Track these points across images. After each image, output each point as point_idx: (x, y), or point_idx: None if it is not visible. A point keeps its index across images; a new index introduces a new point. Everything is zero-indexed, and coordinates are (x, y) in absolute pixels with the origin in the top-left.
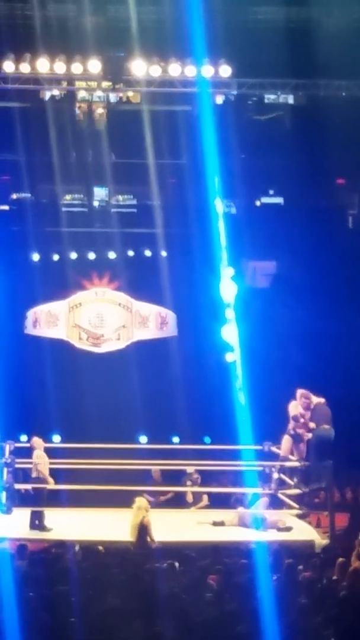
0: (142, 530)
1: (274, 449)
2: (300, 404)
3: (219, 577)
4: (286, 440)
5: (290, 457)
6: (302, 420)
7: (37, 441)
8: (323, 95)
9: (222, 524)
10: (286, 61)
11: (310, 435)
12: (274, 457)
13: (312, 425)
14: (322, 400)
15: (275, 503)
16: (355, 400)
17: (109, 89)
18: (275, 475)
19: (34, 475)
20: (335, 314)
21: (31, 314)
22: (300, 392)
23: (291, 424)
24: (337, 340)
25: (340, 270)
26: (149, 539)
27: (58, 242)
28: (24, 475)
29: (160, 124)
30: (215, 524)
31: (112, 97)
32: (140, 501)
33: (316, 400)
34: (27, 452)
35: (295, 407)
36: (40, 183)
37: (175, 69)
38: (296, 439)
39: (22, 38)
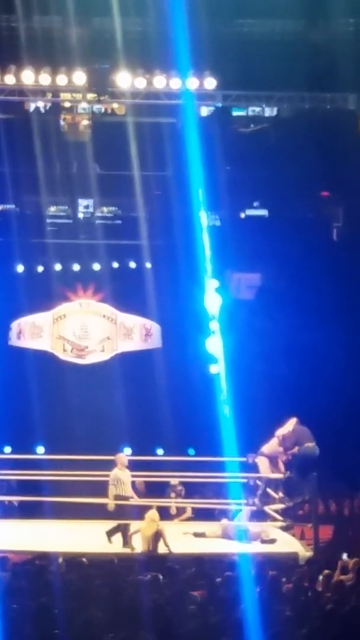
0: (156, 540)
1: (257, 461)
2: (280, 444)
3: (203, 589)
4: (264, 461)
5: (271, 475)
6: (287, 453)
7: (119, 457)
8: (308, 108)
9: (203, 535)
10: (271, 73)
11: (295, 450)
12: (257, 469)
13: (295, 450)
14: (294, 421)
15: (259, 515)
16: (340, 413)
17: (94, 100)
18: (260, 490)
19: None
20: (319, 327)
21: (15, 325)
22: (277, 434)
23: (266, 447)
24: (322, 352)
25: (325, 282)
26: (165, 548)
27: (43, 253)
28: (7, 487)
29: (145, 136)
30: (196, 535)
31: (97, 109)
32: (152, 513)
33: (290, 425)
34: (10, 464)
35: (275, 447)
36: (24, 194)
37: (160, 81)
38: (273, 459)
39: (6, 49)
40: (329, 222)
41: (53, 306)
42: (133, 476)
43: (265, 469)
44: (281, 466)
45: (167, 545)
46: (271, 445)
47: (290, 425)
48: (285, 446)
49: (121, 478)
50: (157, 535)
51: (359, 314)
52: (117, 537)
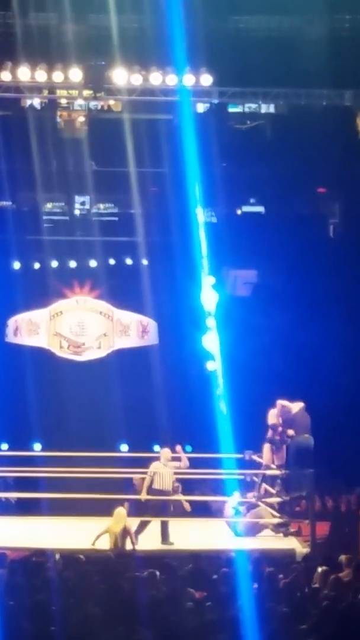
0: (124, 537)
1: (255, 457)
2: (279, 414)
3: (200, 586)
4: (267, 449)
5: (272, 465)
6: (279, 429)
7: (163, 452)
8: (304, 104)
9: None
10: (267, 70)
11: (289, 440)
12: (254, 465)
13: (290, 432)
14: (301, 405)
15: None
16: (336, 408)
17: (90, 97)
18: (260, 485)
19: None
20: (316, 323)
21: (12, 322)
22: (279, 402)
23: (269, 432)
24: (318, 348)
25: (321, 279)
26: (131, 545)
27: (39, 250)
28: (4, 484)
29: (142, 132)
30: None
31: (93, 106)
32: (120, 510)
33: (296, 408)
34: (7, 461)
35: (273, 416)
36: (21, 191)
37: (156, 78)
38: (275, 445)
39: (2, 46)
40: (326, 219)
41: (49, 303)
42: (130, 473)
43: (267, 455)
44: (282, 454)
45: (132, 543)
46: (270, 413)
47: (296, 406)
48: (284, 419)
49: (163, 472)
50: (125, 533)
51: (355, 310)
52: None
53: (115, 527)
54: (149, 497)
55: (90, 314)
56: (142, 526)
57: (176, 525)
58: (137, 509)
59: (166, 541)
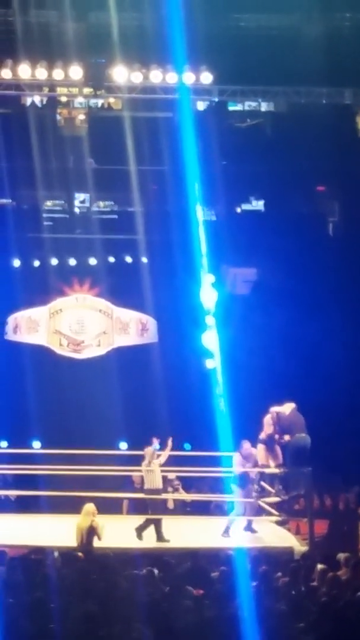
0: (90, 534)
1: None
2: (275, 421)
3: (198, 584)
4: (260, 449)
5: (269, 464)
6: (276, 436)
7: (147, 452)
8: (304, 103)
9: None
10: (267, 68)
11: (287, 438)
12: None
13: (287, 438)
14: (292, 405)
15: (256, 510)
16: (335, 407)
17: (91, 95)
18: (256, 483)
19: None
20: (315, 321)
21: (12, 319)
22: (272, 409)
23: (263, 434)
24: (317, 346)
25: (320, 277)
26: (98, 543)
27: (39, 247)
28: (3, 481)
29: (142, 130)
30: None
31: (94, 104)
32: (88, 506)
33: (288, 409)
34: (6, 459)
35: (268, 424)
36: (21, 189)
37: (156, 76)
38: (269, 445)
39: (3, 44)
40: (325, 217)
41: (49, 300)
42: (130, 470)
43: (262, 457)
44: (278, 452)
45: (99, 538)
46: (266, 421)
47: (288, 408)
48: (279, 426)
49: (155, 471)
50: (91, 529)
51: (354, 309)
52: (114, 533)
53: (82, 522)
54: (147, 496)
55: (89, 311)
56: (147, 524)
57: (175, 523)
58: (136, 508)
59: (161, 539)
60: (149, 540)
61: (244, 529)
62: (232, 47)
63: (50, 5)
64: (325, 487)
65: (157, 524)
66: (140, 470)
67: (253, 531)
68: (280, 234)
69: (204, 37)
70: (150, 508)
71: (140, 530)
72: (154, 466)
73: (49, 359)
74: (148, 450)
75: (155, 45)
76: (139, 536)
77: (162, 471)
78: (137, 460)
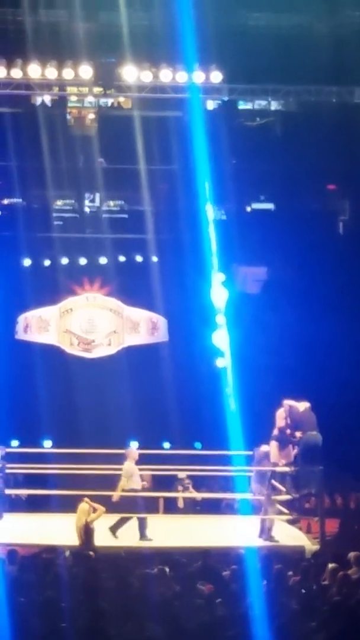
0: (85, 532)
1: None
2: (287, 415)
3: (210, 583)
4: (273, 446)
5: (280, 462)
6: (288, 431)
7: (130, 451)
8: (314, 101)
9: None
10: (277, 67)
11: (299, 435)
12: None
13: (298, 434)
14: (307, 405)
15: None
16: (346, 406)
17: (100, 94)
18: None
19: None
20: (325, 320)
21: (22, 319)
22: (286, 402)
23: (276, 430)
24: (328, 345)
25: (331, 276)
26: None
27: (49, 247)
28: (14, 481)
29: (152, 129)
30: None
31: (103, 103)
32: (82, 506)
33: (302, 407)
34: (17, 458)
35: (281, 418)
36: (31, 188)
37: (166, 75)
38: (282, 442)
39: (13, 43)
40: (335, 216)
41: (59, 300)
42: (140, 470)
43: (275, 454)
44: (290, 450)
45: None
46: (278, 414)
47: (302, 406)
48: (291, 420)
49: (135, 472)
50: (86, 527)
51: None
52: (122, 531)
53: (77, 522)
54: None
55: (100, 311)
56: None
57: (185, 522)
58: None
59: (144, 538)
60: (160, 540)
61: (262, 535)
62: (242, 46)
63: (60, 4)
64: (336, 485)
65: (141, 523)
66: (150, 469)
67: (272, 539)
68: (291, 233)
69: (214, 36)
70: (127, 507)
71: (114, 529)
72: (133, 467)
73: (59, 359)
74: (132, 451)
75: (165, 45)
76: (114, 534)
77: (173, 470)
78: (148, 459)
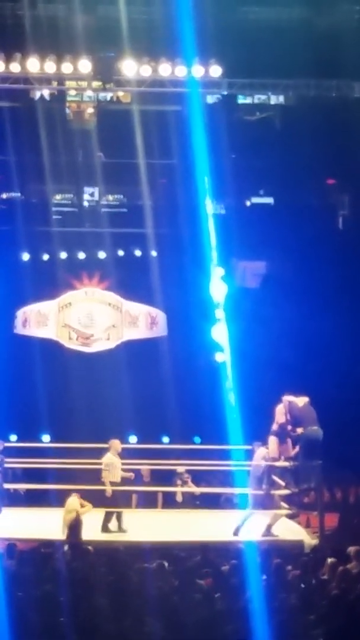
0: (73, 527)
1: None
2: (287, 410)
3: (209, 577)
4: (272, 441)
5: (280, 457)
6: (288, 427)
7: (112, 443)
8: (313, 96)
9: None
10: (276, 61)
11: (300, 431)
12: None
13: (299, 430)
14: (306, 399)
15: (266, 502)
16: (345, 400)
17: (99, 88)
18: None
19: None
20: (325, 314)
21: (21, 313)
22: (285, 398)
23: (275, 425)
24: (328, 340)
25: (330, 270)
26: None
27: (48, 241)
28: (13, 475)
29: (151, 124)
30: None
31: (102, 97)
32: (70, 500)
33: (301, 403)
34: (16, 452)
35: (281, 414)
36: (30, 183)
37: (165, 69)
38: (282, 437)
39: (12, 37)
40: (335, 210)
41: (58, 294)
42: (139, 464)
43: (274, 448)
44: (289, 445)
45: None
46: (278, 410)
47: (301, 401)
48: (291, 416)
49: (115, 464)
50: (75, 522)
51: None
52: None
53: (66, 516)
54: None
55: (99, 305)
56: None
57: (184, 517)
58: (145, 501)
59: (120, 530)
60: (159, 534)
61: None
62: (242, 40)
63: None
64: (336, 480)
65: (119, 515)
66: (149, 464)
67: (272, 535)
68: (290, 227)
69: (213, 30)
70: (110, 501)
71: (105, 523)
72: (117, 460)
73: (58, 353)
74: (115, 443)
75: (164, 39)
76: (105, 529)
77: (172, 464)
78: (147, 454)
